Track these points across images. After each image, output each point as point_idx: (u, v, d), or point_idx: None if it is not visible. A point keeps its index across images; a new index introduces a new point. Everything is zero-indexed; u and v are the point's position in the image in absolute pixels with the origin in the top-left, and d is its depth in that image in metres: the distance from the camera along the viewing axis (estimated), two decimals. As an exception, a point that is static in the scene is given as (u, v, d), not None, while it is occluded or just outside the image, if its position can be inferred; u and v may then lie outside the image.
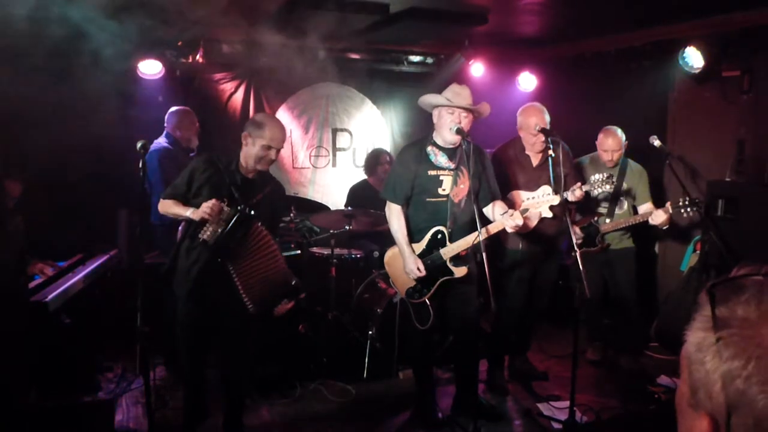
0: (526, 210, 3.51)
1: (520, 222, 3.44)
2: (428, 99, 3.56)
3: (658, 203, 4.36)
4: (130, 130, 4.91)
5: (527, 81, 6.11)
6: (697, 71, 4.58)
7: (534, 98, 5.92)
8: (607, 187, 3.81)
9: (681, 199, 4.05)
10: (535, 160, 4.06)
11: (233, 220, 3.02)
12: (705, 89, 4.81)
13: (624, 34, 5.19)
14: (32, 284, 3.64)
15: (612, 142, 4.31)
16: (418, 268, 3.49)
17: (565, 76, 5.92)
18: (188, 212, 3.08)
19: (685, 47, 4.54)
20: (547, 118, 3.93)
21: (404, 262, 3.55)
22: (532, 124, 3.87)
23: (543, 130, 3.72)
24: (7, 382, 2.95)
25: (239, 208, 3.05)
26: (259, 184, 3.28)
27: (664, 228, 4.19)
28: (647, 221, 4.18)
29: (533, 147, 3.99)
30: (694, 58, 4.53)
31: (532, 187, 4.00)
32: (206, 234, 3.03)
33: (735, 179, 4.54)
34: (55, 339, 3.81)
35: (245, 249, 3.15)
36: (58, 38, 4.58)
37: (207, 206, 2.99)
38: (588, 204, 4.39)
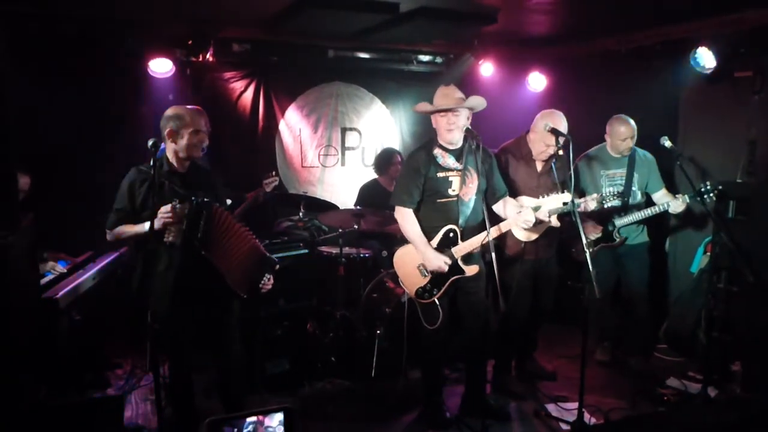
0: (539, 207, 3.50)
1: (532, 219, 3.45)
2: (419, 108, 3.64)
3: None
4: (141, 128, 4.96)
5: (537, 81, 6.08)
6: (708, 71, 4.55)
7: (543, 98, 5.93)
8: (617, 201, 3.82)
9: (702, 185, 4.08)
10: (540, 165, 4.02)
11: (191, 212, 3.06)
12: (716, 89, 4.77)
13: (634, 33, 5.15)
14: (44, 281, 3.67)
15: (626, 129, 4.31)
16: (445, 262, 3.50)
17: (574, 76, 5.89)
18: (147, 226, 3.07)
19: (697, 47, 4.50)
20: (566, 125, 3.84)
21: (427, 261, 3.55)
22: (543, 126, 3.81)
23: (553, 130, 3.70)
24: (18, 378, 2.97)
25: (192, 199, 3.08)
26: (193, 176, 3.31)
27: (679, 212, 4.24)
28: (664, 211, 4.23)
29: (541, 154, 3.92)
30: (705, 58, 4.49)
31: (540, 194, 3.96)
32: (171, 236, 3.07)
33: (746, 180, 4.51)
34: (66, 335, 3.84)
35: (214, 235, 3.16)
36: (71, 38, 4.64)
37: (164, 211, 3.03)
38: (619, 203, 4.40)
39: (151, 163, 2.94)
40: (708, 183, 4.11)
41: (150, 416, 3.86)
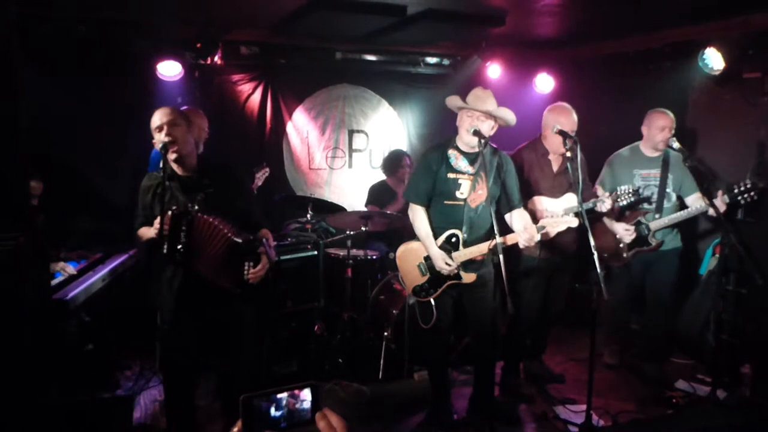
0: (543, 228, 3.47)
1: (537, 238, 3.42)
2: (451, 101, 3.57)
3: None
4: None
5: (544, 83, 6.08)
6: (717, 73, 4.53)
7: (551, 100, 5.90)
8: (632, 199, 3.73)
9: (740, 184, 3.93)
10: (556, 165, 4.01)
11: (171, 223, 2.96)
12: (725, 91, 4.75)
13: (643, 35, 5.15)
14: (54, 282, 3.69)
15: (665, 120, 4.19)
16: (447, 263, 3.49)
17: (582, 78, 5.88)
18: (151, 233, 3.07)
19: (705, 49, 4.49)
20: (575, 118, 3.88)
21: (433, 260, 3.56)
22: (551, 123, 3.84)
23: (561, 132, 3.70)
24: (29, 378, 2.99)
25: (173, 210, 2.99)
26: (201, 178, 3.20)
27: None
28: (702, 213, 4.10)
29: (558, 149, 3.91)
30: (714, 59, 4.48)
31: (556, 193, 3.95)
32: (165, 247, 2.99)
33: (755, 182, 4.48)
34: (75, 336, 3.86)
35: (199, 244, 3.06)
36: (81, 40, 4.67)
37: (156, 223, 2.98)
38: (634, 201, 4.29)
39: (161, 164, 2.96)
40: (748, 181, 3.92)
41: (159, 417, 3.87)
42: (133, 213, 3.27)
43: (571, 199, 3.72)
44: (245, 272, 3.14)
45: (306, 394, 1.14)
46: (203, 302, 3.17)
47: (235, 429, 1.10)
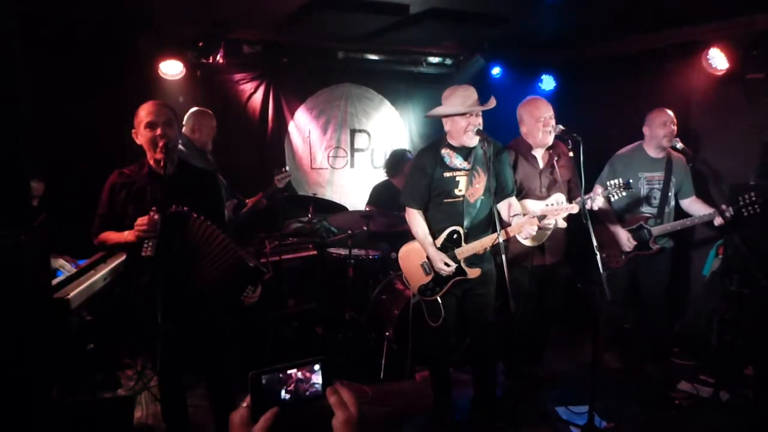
0: (544, 216, 3.46)
1: (534, 230, 3.43)
2: (441, 111, 3.51)
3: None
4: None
5: (547, 83, 6.07)
6: (720, 73, 4.52)
7: (554, 100, 5.88)
8: (623, 193, 3.71)
9: (745, 196, 3.90)
10: (543, 161, 4.01)
11: (165, 224, 2.80)
12: (728, 91, 4.74)
13: (646, 35, 5.14)
14: (55, 281, 3.68)
15: (665, 115, 4.18)
16: (446, 264, 3.48)
17: (585, 78, 5.87)
18: (125, 236, 2.92)
19: (709, 49, 4.48)
20: (551, 110, 3.91)
21: (432, 261, 3.55)
22: (543, 114, 3.83)
23: (564, 132, 3.68)
24: (30, 378, 2.99)
25: (167, 210, 2.83)
26: (181, 178, 3.06)
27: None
28: (707, 222, 4.10)
29: (542, 141, 3.89)
30: (717, 60, 4.47)
31: (544, 193, 3.95)
32: (148, 250, 2.81)
33: (759, 183, 4.47)
34: (77, 335, 3.85)
35: (192, 247, 2.91)
36: (83, 40, 4.67)
37: (139, 223, 2.82)
38: (636, 204, 4.31)
39: (162, 164, 2.89)
40: (753, 194, 3.89)
41: (160, 417, 3.86)
42: (93, 213, 3.07)
43: (559, 200, 3.69)
44: (244, 295, 3.01)
45: (317, 373, 1.12)
46: (181, 311, 2.99)
47: (244, 404, 1.08)
